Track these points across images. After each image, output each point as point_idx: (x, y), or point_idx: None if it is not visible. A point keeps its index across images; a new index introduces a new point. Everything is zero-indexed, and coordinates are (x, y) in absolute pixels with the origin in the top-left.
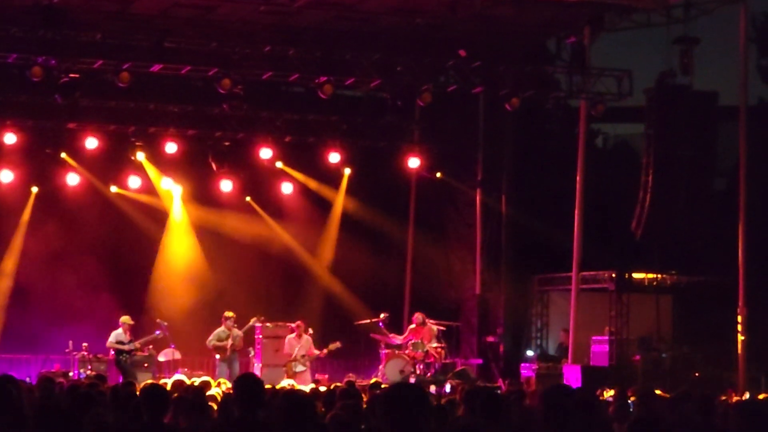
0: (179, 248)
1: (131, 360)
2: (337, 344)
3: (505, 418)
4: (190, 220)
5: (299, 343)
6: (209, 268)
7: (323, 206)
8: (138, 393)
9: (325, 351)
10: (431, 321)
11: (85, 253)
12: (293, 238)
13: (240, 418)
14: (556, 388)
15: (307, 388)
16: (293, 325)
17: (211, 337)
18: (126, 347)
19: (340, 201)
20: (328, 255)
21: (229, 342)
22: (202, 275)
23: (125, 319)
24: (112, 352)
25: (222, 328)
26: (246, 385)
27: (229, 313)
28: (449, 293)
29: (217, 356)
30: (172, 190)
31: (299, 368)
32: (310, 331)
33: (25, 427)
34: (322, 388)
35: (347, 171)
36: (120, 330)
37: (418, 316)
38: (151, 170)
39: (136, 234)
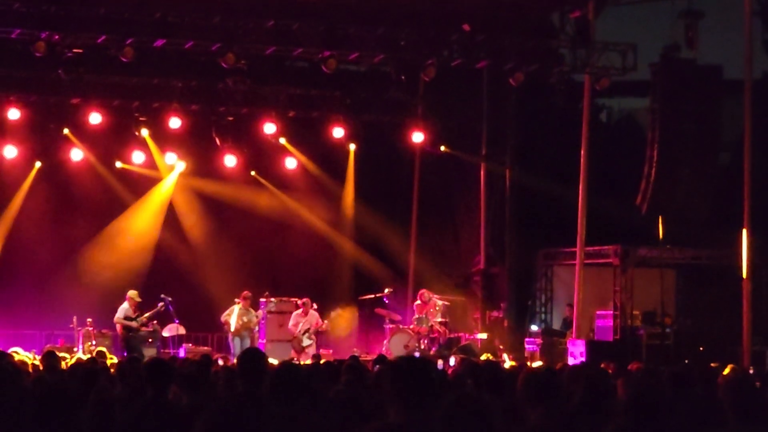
0: (183, 223)
1: (138, 335)
2: (338, 311)
3: (508, 392)
4: (194, 195)
5: (305, 318)
6: (214, 244)
7: (326, 181)
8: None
9: (326, 322)
10: (436, 296)
11: (88, 228)
12: (298, 212)
13: (243, 393)
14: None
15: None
16: (300, 301)
17: (226, 313)
18: (134, 324)
19: (350, 177)
20: (336, 230)
21: (237, 319)
22: (208, 250)
23: (132, 293)
24: (119, 327)
25: (239, 305)
26: (250, 360)
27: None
28: (454, 268)
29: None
30: (175, 166)
31: (306, 342)
32: (315, 306)
33: (23, 402)
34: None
35: (352, 147)
36: (126, 305)
37: (423, 294)
38: (153, 146)
39: (138, 209)
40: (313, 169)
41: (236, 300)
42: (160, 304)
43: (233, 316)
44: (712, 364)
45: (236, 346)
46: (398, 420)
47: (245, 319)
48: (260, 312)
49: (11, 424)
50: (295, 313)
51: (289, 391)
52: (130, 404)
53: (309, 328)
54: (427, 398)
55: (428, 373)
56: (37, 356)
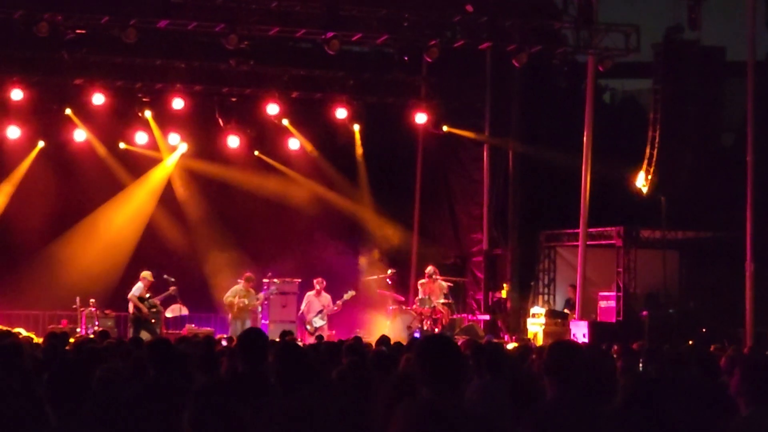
0: (185, 204)
1: (142, 315)
2: (352, 293)
3: (510, 373)
4: (197, 176)
5: (319, 299)
6: (217, 224)
7: (329, 162)
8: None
9: (339, 302)
10: (440, 277)
11: (90, 209)
12: (301, 194)
13: (243, 373)
14: (562, 344)
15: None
16: (315, 281)
17: (228, 293)
18: (143, 306)
19: (360, 157)
20: (336, 212)
21: (238, 301)
22: (210, 231)
23: (146, 274)
24: (131, 306)
25: (240, 286)
26: (250, 340)
27: (249, 275)
28: (455, 249)
29: (230, 314)
30: (178, 147)
31: (319, 323)
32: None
33: (28, 380)
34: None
35: (357, 127)
36: (140, 284)
37: (430, 269)
38: (155, 128)
39: (139, 190)
40: (316, 150)
41: (239, 280)
42: (172, 288)
43: (235, 297)
44: (713, 346)
45: (236, 328)
46: (428, 397)
47: (246, 301)
48: (261, 295)
49: (17, 401)
50: (308, 293)
51: (290, 370)
52: (132, 384)
53: (322, 309)
54: (454, 376)
55: (455, 352)
56: (35, 337)
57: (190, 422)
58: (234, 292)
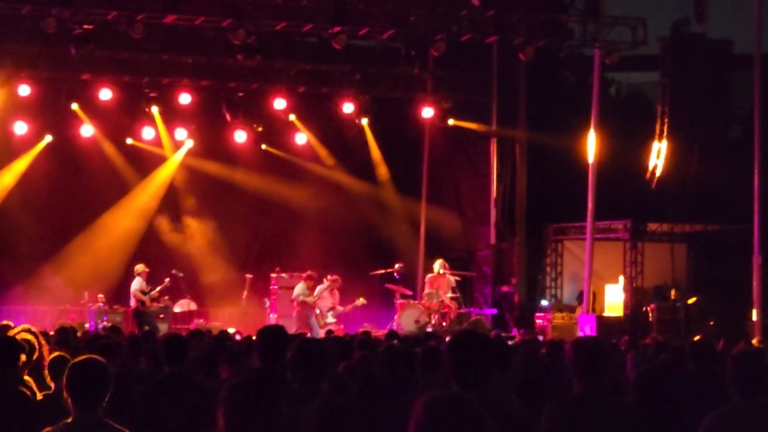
0: (191, 199)
1: (149, 310)
2: (362, 300)
3: (515, 366)
4: (203, 171)
5: (331, 296)
6: (222, 218)
7: (338, 157)
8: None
9: (350, 307)
10: (447, 271)
11: (99, 204)
12: (308, 187)
13: (260, 369)
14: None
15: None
16: (330, 277)
17: (298, 292)
18: (146, 299)
19: (374, 151)
20: (343, 206)
21: (311, 298)
22: (216, 225)
23: (139, 267)
24: (134, 301)
25: (304, 284)
26: (267, 336)
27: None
28: (462, 243)
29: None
30: (185, 142)
31: (330, 320)
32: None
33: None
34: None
35: (365, 121)
36: (139, 279)
37: (440, 262)
38: (161, 124)
39: (147, 186)
40: (323, 144)
41: (302, 279)
42: (167, 279)
43: (301, 295)
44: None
45: (313, 325)
46: (454, 391)
47: (310, 299)
48: (323, 290)
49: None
50: (321, 286)
51: (307, 367)
52: (146, 379)
53: (333, 308)
54: (483, 372)
55: (485, 348)
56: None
57: (225, 417)
58: (301, 290)
